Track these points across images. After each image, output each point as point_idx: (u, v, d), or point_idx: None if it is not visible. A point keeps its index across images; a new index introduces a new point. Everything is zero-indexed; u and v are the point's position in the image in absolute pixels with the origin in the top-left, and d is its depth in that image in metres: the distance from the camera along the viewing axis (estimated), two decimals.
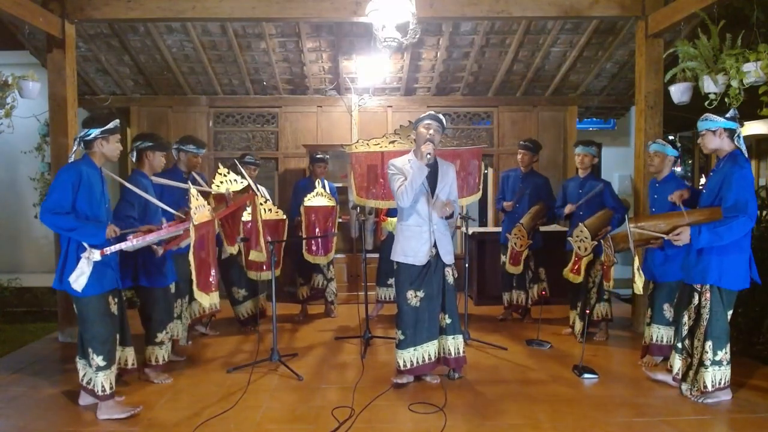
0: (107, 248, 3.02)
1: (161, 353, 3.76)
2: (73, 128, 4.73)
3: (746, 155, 3.23)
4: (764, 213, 4.82)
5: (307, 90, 6.90)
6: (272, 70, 6.46)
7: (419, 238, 3.52)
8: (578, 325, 4.58)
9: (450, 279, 3.62)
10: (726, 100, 3.71)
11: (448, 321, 3.61)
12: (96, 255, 2.96)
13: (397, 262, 3.61)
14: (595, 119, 8.29)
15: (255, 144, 6.99)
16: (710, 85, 3.76)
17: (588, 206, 4.53)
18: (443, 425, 3.01)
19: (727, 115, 3.21)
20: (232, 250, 3.91)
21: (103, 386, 3.14)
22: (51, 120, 4.77)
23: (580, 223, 4.26)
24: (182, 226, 3.28)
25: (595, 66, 6.57)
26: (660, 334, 3.90)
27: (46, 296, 6.33)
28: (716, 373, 3.25)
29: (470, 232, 5.18)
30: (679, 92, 4.26)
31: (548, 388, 3.62)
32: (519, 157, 5.16)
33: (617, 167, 8.26)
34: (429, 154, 3.41)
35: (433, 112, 3.62)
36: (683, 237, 3.13)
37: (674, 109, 4.62)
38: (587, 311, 4.29)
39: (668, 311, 3.85)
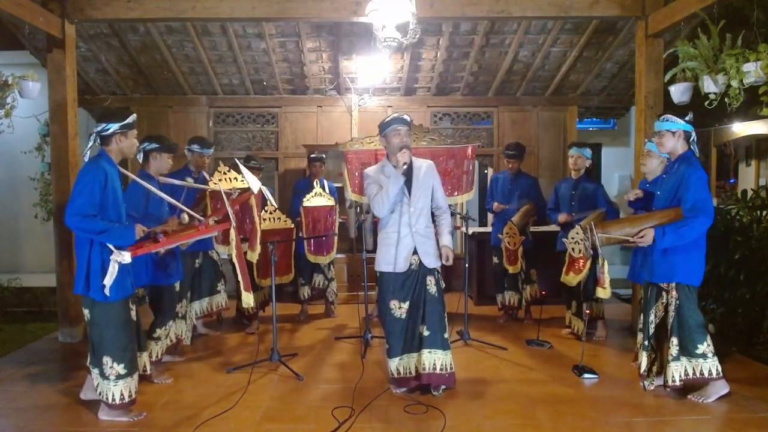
0: (140, 249, 2.91)
1: (156, 349, 3.74)
2: (73, 128, 4.73)
3: (697, 156, 3.33)
4: (764, 213, 4.81)
5: (307, 90, 6.90)
6: (272, 70, 6.46)
7: (399, 244, 3.39)
8: (579, 325, 4.58)
9: (432, 289, 3.42)
10: (726, 100, 3.72)
11: (426, 333, 3.38)
12: (126, 257, 2.83)
13: (380, 272, 3.51)
14: (595, 119, 8.28)
15: (255, 144, 6.99)
16: (710, 85, 3.76)
17: (581, 208, 4.57)
18: (443, 425, 3.02)
19: (686, 119, 3.31)
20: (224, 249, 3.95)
21: (122, 394, 3.04)
22: (51, 120, 4.76)
23: (576, 225, 4.26)
24: (220, 228, 3.26)
25: (595, 66, 6.57)
26: None
27: (46, 296, 6.33)
28: (704, 366, 3.27)
29: (470, 232, 5.18)
30: (679, 92, 4.26)
31: (548, 388, 3.62)
32: (509, 165, 5.19)
33: (617, 167, 8.25)
34: (405, 163, 3.30)
35: (397, 114, 3.47)
36: (647, 239, 3.22)
37: (674, 109, 4.58)
38: (586, 311, 4.27)
39: None
